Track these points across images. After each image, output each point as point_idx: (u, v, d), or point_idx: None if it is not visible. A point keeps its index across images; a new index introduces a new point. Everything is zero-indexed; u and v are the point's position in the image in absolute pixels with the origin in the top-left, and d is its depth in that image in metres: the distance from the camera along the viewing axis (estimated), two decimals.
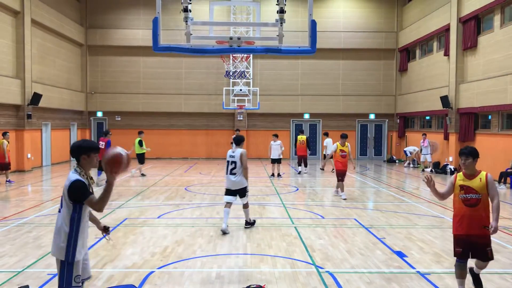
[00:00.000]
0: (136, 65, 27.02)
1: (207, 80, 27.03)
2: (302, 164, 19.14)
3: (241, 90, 26.16)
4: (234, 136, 11.45)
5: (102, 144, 15.09)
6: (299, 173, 19.19)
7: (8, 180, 15.73)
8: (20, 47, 19.45)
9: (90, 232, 8.71)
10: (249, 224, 9.24)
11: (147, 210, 11.10)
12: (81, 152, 4.21)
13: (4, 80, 18.16)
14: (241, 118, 27.02)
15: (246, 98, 26.10)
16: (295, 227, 9.30)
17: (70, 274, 4.10)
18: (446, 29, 20.76)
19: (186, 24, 7.45)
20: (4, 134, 15.87)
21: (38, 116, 21.17)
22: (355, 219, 10.14)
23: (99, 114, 27.17)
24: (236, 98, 26.08)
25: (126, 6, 26.63)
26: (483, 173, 5.40)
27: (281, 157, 18.39)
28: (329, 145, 18.98)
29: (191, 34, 7.61)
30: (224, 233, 8.63)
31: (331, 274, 6.40)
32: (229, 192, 9.07)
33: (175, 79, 27.08)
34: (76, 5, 25.89)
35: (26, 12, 19.61)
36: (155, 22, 7.21)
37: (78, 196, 4.05)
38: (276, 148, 18.11)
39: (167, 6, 24.64)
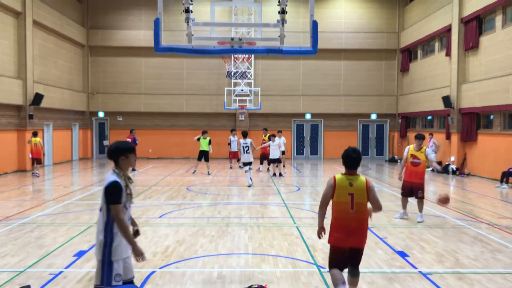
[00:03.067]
0: (137, 66, 27.05)
1: (209, 81, 27.04)
2: (265, 163, 19.73)
3: (242, 90, 26.18)
4: (243, 131, 16.15)
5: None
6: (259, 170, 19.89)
7: (37, 173, 18.02)
8: (21, 48, 19.49)
9: (91, 233, 8.75)
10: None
11: (149, 209, 11.11)
12: (119, 153, 4.35)
13: (6, 80, 18.19)
14: (243, 118, 27.03)
15: (247, 98, 26.12)
16: (296, 227, 9.30)
17: (110, 272, 4.18)
18: (448, 29, 20.73)
19: (188, 24, 7.46)
20: (35, 133, 18.13)
21: (40, 116, 21.21)
22: None
23: (101, 114, 27.21)
24: (237, 98, 26.09)
25: (127, 7, 26.66)
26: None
27: (278, 156, 18.14)
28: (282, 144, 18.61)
29: (192, 35, 7.62)
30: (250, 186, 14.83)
31: None
32: (245, 164, 15.45)
33: (176, 79, 27.10)
34: (77, 6, 25.92)
35: (28, 13, 19.65)
36: (157, 22, 7.22)
37: (110, 198, 4.19)
38: (274, 148, 18.05)
39: (169, 7, 24.64)
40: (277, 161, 18.22)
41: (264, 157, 19.68)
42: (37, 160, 18.07)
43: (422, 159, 9.66)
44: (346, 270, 5.31)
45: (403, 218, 10.11)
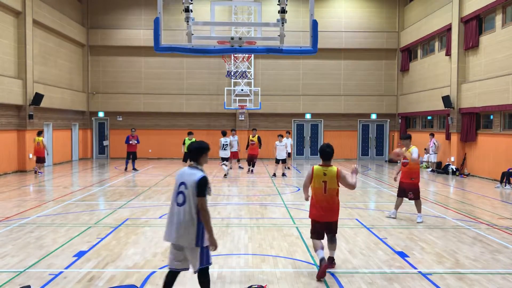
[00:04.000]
0: (137, 65, 27.05)
1: (209, 80, 27.03)
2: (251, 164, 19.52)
3: (242, 90, 26.17)
4: (222, 130, 17.69)
5: (133, 141, 19.91)
6: (249, 171, 19.55)
7: (38, 171, 18.81)
8: (21, 47, 19.48)
9: (91, 233, 8.77)
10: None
11: (149, 210, 11.11)
12: (203, 152, 5.00)
13: (5, 80, 18.18)
14: (243, 118, 27.02)
15: (247, 98, 26.11)
16: (296, 227, 9.29)
17: (208, 254, 4.90)
18: (448, 29, 20.72)
19: (188, 24, 7.46)
20: (39, 133, 18.95)
21: (40, 116, 21.20)
22: (356, 219, 10.13)
23: (101, 114, 27.20)
24: (237, 98, 26.09)
25: (127, 6, 26.65)
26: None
27: (285, 157, 18.41)
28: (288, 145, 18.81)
29: (192, 34, 7.62)
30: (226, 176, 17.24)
31: (332, 275, 6.39)
32: (223, 159, 17.52)
33: (176, 79, 27.09)
34: (77, 5, 25.91)
35: (28, 12, 19.64)
36: (157, 22, 7.21)
37: (200, 191, 4.77)
38: (281, 149, 18.19)
39: (169, 6, 24.63)
40: (283, 161, 18.33)
41: (251, 158, 19.35)
42: (39, 159, 18.70)
43: (410, 158, 9.65)
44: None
45: (390, 217, 10.18)
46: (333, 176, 6.34)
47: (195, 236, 4.76)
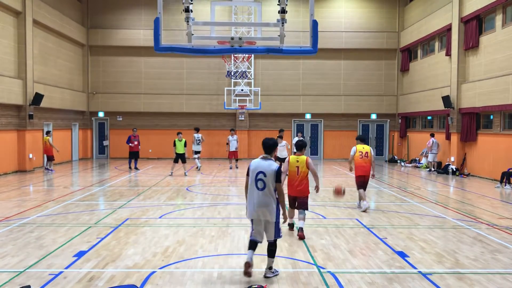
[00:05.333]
0: (137, 65, 27.05)
1: (209, 80, 27.03)
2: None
3: (242, 90, 26.17)
4: (195, 127, 20.68)
5: (134, 141, 20.84)
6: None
7: (49, 168, 19.63)
8: (21, 47, 19.47)
9: (91, 233, 8.76)
10: None
11: (149, 210, 11.11)
12: (275, 147, 6.45)
13: (5, 80, 18.18)
14: (243, 118, 27.02)
15: (247, 98, 26.11)
16: (296, 227, 9.28)
17: (278, 227, 6.29)
18: (448, 29, 20.72)
19: (188, 24, 7.46)
20: (47, 132, 20.11)
21: (40, 116, 21.20)
22: (356, 219, 10.13)
23: (101, 114, 27.20)
24: (237, 98, 26.09)
25: (127, 6, 26.65)
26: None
27: (286, 156, 18.38)
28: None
29: (192, 34, 7.62)
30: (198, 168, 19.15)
31: (332, 274, 6.40)
32: (196, 152, 19.90)
33: (176, 79, 27.09)
34: (77, 5, 25.91)
35: (28, 12, 19.64)
36: (157, 22, 7.22)
37: (278, 178, 6.17)
38: (281, 149, 18.18)
39: (169, 6, 24.64)
40: (283, 160, 18.31)
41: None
42: (48, 157, 19.77)
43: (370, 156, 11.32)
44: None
45: (366, 210, 11.04)
46: (303, 162, 8.58)
47: (274, 213, 6.15)
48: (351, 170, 11.54)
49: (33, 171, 19.86)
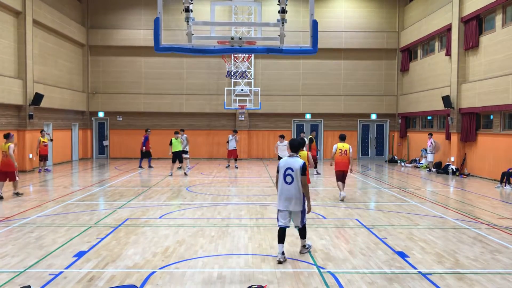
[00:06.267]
0: (137, 65, 27.05)
1: (209, 80, 27.03)
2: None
3: (242, 90, 26.16)
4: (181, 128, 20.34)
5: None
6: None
7: (46, 168, 19.83)
8: (21, 47, 19.47)
9: (91, 233, 8.76)
10: None
11: (149, 210, 11.11)
12: (301, 146, 7.87)
13: (5, 80, 18.18)
14: (243, 118, 27.02)
15: (247, 98, 26.11)
16: (296, 227, 9.27)
17: (304, 214, 7.24)
18: (448, 29, 20.72)
19: (188, 24, 7.45)
20: (41, 131, 20.11)
21: (40, 116, 21.20)
22: (356, 220, 10.13)
23: (101, 114, 27.20)
24: (237, 98, 26.08)
25: (127, 6, 26.65)
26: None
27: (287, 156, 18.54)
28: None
29: (192, 34, 7.60)
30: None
31: (332, 275, 6.40)
32: (184, 152, 19.34)
33: (176, 79, 27.09)
34: (77, 5, 25.91)
35: (28, 12, 19.63)
36: (157, 22, 7.21)
37: (304, 172, 7.05)
38: (283, 149, 18.32)
39: (169, 6, 24.61)
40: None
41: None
42: (42, 157, 19.73)
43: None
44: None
45: (341, 200, 12.45)
46: (305, 157, 9.70)
47: (300, 203, 7.06)
48: (331, 165, 12.98)
49: (33, 171, 19.85)
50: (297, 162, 7.05)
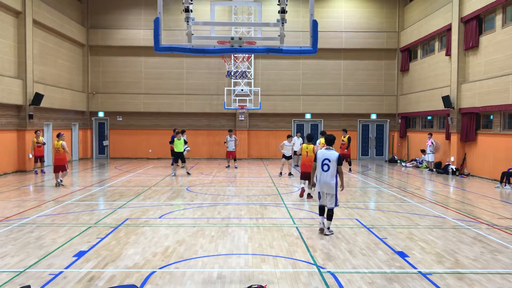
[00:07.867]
0: (137, 65, 27.04)
1: (209, 80, 27.02)
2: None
3: (242, 90, 26.16)
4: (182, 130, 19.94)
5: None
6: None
7: (42, 170, 19.59)
8: (21, 47, 19.47)
9: (91, 233, 8.76)
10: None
11: (149, 210, 11.11)
12: (334, 140, 8.86)
13: (5, 80, 18.18)
14: (243, 118, 27.02)
15: (247, 98, 26.11)
16: (296, 227, 9.29)
17: (336, 197, 8.63)
18: (448, 29, 20.72)
19: (187, 24, 7.45)
20: (35, 132, 19.61)
21: (40, 116, 21.19)
22: (356, 219, 10.13)
23: (101, 114, 27.19)
24: (237, 98, 26.08)
25: (127, 6, 26.64)
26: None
27: (291, 154, 19.02)
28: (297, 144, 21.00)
29: (192, 34, 7.60)
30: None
31: (332, 274, 6.40)
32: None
33: (176, 79, 27.09)
34: (77, 5, 25.91)
35: (28, 12, 19.63)
36: (156, 22, 7.20)
37: (339, 162, 8.53)
38: (288, 148, 18.58)
39: (168, 6, 24.64)
40: (289, 158, 18.83)
41: (345, 157, 20.65)
42: (39, 158, 19.51)
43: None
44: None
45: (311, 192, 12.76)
46: (311, 150, 12.34)
47: (333, 188, 8.51)
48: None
49: (33, 171, 19.84)
50: (333, 154, 8.55)
